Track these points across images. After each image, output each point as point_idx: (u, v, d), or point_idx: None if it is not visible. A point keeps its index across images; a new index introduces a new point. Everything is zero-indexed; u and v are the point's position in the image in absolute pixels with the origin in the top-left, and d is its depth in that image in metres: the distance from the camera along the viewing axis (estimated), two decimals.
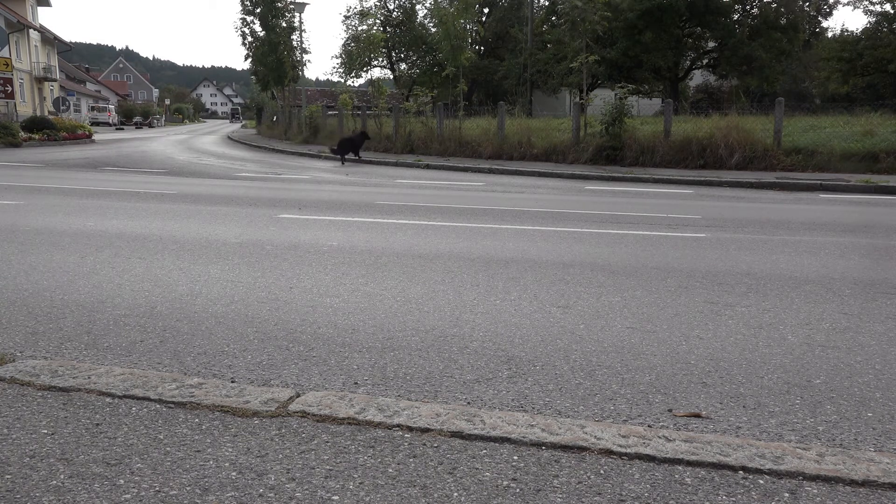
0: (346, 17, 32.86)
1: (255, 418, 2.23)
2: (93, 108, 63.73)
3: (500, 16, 44.79)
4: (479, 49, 45.33)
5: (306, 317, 3.54)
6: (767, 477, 1.90)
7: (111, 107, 65.50)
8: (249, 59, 31.76)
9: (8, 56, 26.92)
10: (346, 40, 32.52)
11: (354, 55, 25.24)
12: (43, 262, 4.84)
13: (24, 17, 42.40)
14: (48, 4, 48.53)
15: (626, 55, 32.47)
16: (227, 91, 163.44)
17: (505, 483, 1.85)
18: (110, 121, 59.90)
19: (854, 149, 13.48)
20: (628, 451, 2.02)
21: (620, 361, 2.93)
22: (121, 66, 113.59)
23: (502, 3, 46.00)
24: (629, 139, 15.14)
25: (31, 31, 43.81)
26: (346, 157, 17.50)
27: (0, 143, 21.88)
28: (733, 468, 1.94)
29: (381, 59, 45.26)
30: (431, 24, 39.59)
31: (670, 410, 2.44)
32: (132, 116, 70.47)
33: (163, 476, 1.86)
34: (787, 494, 1.81)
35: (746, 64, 32.90)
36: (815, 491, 1.83)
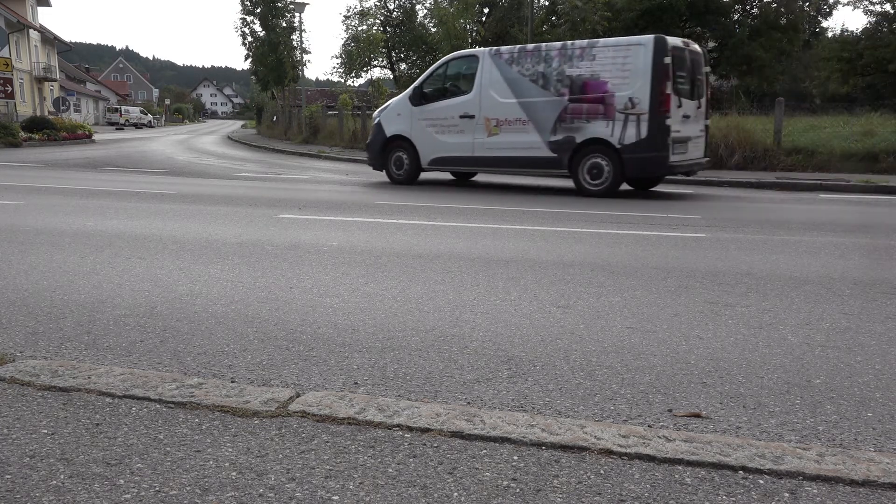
0: (346, 17, 32.83)
1: (255, 418, 2.23)
2: (108, 110, 63.89)
3: (500, 16, 44.70)
4: None
5: (306, 317, 3.54)
6: (767, 477, 1.90)
7: (131, 109, 64.73)
8: (249, 59, 31.79)
9: (8, 56, 26.92)
10: (346, 40, 32.49)
11: (354, 55, 25.27)
12: (43, 262, 4.85)
13: (24, 17, 42.40)
14: (48, 4, 48.54)
15: None
16: (227, 91, 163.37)
17: (505, 483, 1.85)
18: (122, 122, 59.35)
19: (854, 149, 13.48)
20: (628, 451, 2.02)
21: (620, 361, 2.93)
22: (121, 66, 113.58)
23: (502, 3, 45.97)
24: None
25: (31, 31, 43.80)
26: None
27: (0, 143, 21.87)
28: (733, 468, 1.94)
29: (381, 59, 45.21)
30: (431, 24, 39.53)
31: (670, 410, 2.44)
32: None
33: (163, 476, 1.86)
34: (787, 494, 1.81)
35: (746, 64, 32.93)
36: (815, 491, 1.83)
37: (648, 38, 9.21)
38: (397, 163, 11.46)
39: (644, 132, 9.07)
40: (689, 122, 9.49)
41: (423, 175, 11.81)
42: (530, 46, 10.45)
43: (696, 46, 10.17)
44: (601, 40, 9.85)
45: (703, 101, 9.97)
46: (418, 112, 11.04)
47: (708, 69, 10.24)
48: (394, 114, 11.50)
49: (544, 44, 10.39)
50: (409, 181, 11.35)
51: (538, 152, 9.90)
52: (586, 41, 9.93)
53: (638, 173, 9.64)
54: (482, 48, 10.89)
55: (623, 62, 9.23)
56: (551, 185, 11.80)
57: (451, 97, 10.75)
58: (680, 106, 9.22)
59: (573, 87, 9.58)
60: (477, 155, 10.52)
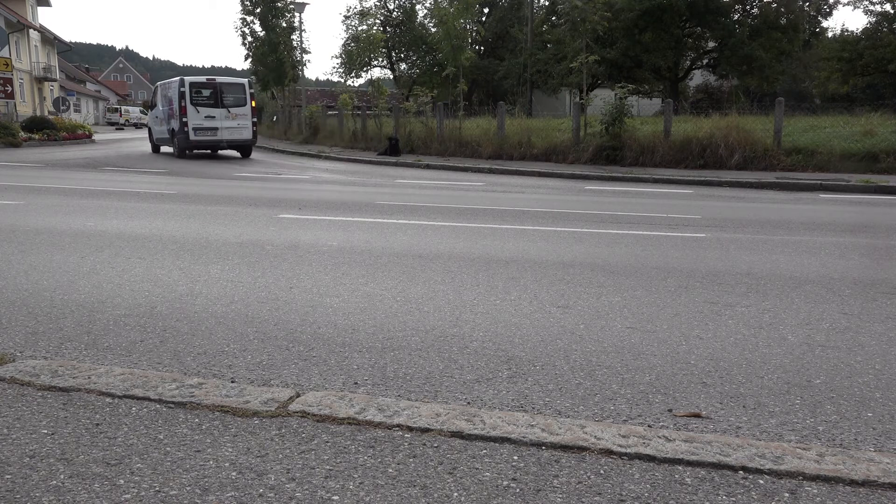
0: (346, 17, 32.80)
1: (255, 418, 2.23)
2: (108, 110, 64.13)
3: (500, 16, 44.74)
4: (479, 49, 45.29)
5: (306, 317, 3.54)
6: (767, 477, 1.90)
7: (131, 108, 64.80)
8: (249, 59, 31.72)
9: (8, 56, 26.90)
10: (346, 40, 32.47)
11: (354, 55, 25.23)
12: (43, 262, 4.85)
13: (24, 17, 42.38)
14: (48, 4, 48.50)
15: (626, 55, 32.45)
16: None
17: (505, 483, 1.85)
18: (122, 122, 59.43)
19: (854, 149, 13.48)
20: (628, 451, 2.02)
21: (620, 361, 2.93)
22: (121, 66, 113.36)
23: (502, 3, 45.97)
24: (629, 139, 15.13)
25: (31, 31, 43.79)
26: (385, 154, 18.44)
27: (0, 143, 21.88)
28: (733, 468, 1.94)
29: (381, 59, 45.19)
30: (431, 24, 39.49)
31: (670, 410, 2.44)
32: None
33: (163, 476, 1.86)
34: (787, 494, 1.81)
35: (746, 64, 32.86)
36: (815, 491, 1.83)
37: (177, 79, 18.29)
38: (153, 142, 21.23)
39: (178, 125, 17.81)
40: (216, 120, 18.01)
41: (426, 173, 12.54)
42: (166, 81, 19.71)
43: (233, 80, 19.17)
44: (172, 80, 18.83)
45: (244, 108, 18.39)
46: (151, 114, 21.53)
47: (252, 91, 19.01)
48: (148, 115, 22.70)
49: (168, 80, 19.51)
50: (156, 151, 20.86)
51: (168, 135, 19.05)
52: (170, 80, 19.23)
53: (180, 145, 18.18)
54: (159, 82, 20.69)
55: (173, 90, 18.13)
56: (553, 185, 11.81)
57: (156, 106, 20.36)
58: (199, 112, 17.73)
59: (170, 102, 18.43)
60: (163, 136, 19.79)
